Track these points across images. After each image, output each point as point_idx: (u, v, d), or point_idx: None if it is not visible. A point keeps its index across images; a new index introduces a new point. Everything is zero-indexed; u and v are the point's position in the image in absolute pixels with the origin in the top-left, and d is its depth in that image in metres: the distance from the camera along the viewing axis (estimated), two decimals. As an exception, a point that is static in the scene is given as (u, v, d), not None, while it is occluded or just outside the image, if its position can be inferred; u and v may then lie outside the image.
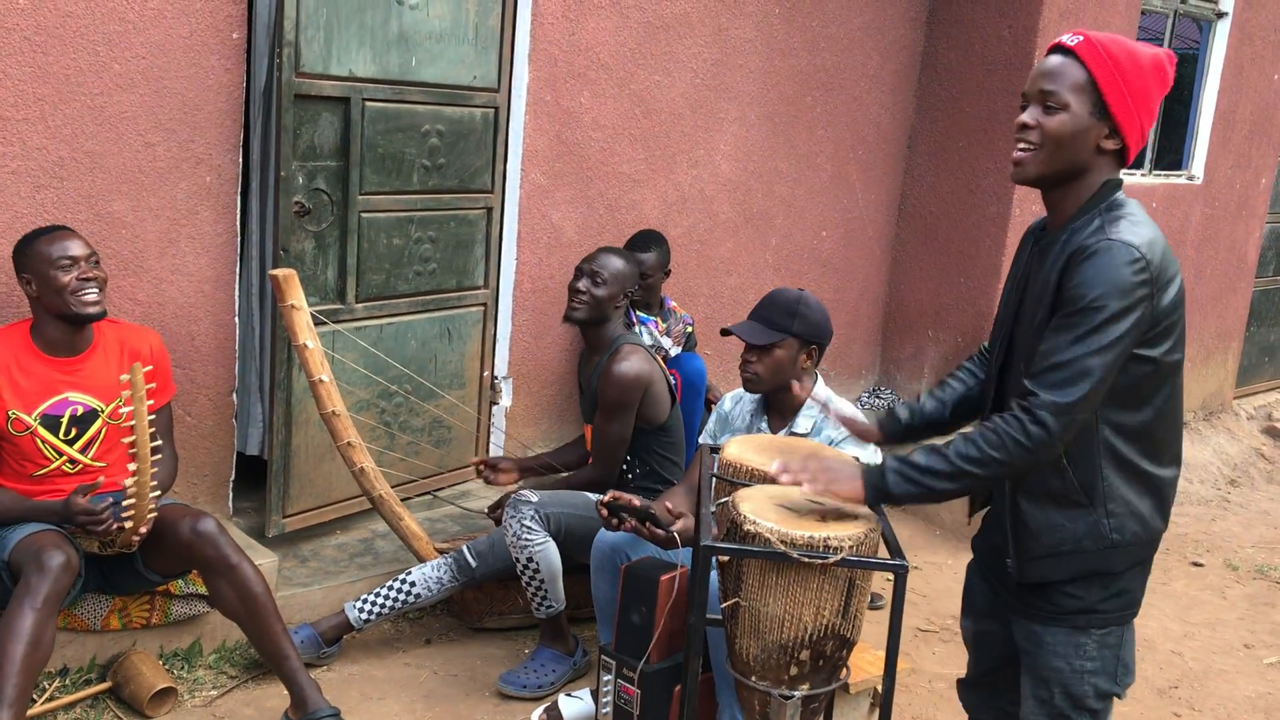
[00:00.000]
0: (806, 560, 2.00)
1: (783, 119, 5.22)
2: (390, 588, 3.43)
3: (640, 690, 2.82)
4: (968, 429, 2.08)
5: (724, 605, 2.16)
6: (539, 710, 3.24)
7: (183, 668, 3.29)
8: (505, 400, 4.57)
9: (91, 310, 2.99)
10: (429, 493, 4.33)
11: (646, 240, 4.48)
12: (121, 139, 3.37)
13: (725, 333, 3.08)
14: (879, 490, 2.07)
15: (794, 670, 2.11)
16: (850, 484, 2.10)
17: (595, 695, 3.05)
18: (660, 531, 2.84)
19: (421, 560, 3.62)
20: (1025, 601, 2.18)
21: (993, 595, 2.32)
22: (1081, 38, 2.04)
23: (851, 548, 2.02)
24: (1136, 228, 1.98)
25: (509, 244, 4.45)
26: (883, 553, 2.16)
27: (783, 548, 2.00)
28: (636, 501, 2.91)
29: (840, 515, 2.13)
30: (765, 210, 5.27)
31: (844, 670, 2.24)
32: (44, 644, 2.72)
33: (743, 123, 5.07)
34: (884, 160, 5.73)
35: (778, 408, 3.11)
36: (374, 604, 3.41)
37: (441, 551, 3.62)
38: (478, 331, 4.42)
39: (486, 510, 3.68)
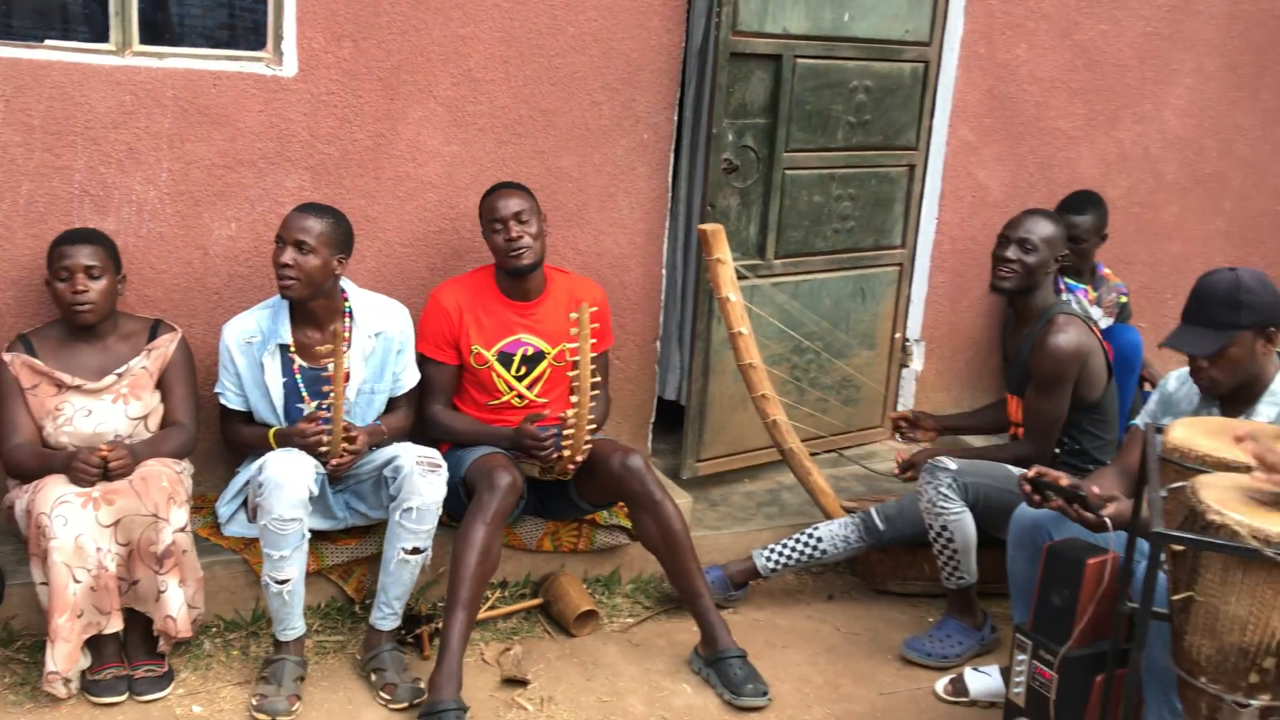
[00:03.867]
0: (1283, 560, 1.79)
1: (1248, 70, 4.68)
2: (797, 540, 3.48)
3: (1058, 675, 2.68)
4: None
5: (1175, 598, 1.99)
6: (944, 680, 3.17)
7: (603, 593, 3.53)
8: (916, 364, 4.48)
9: (520, 264, 3.21)
10: (835, 450, 4.34)
11: (1081, 201, 4.20)
12: (572, 98, 3.60)
13: (1163, 346, 2.80)
14: None
15: (1254, 678, 1.91)
16: None
17: (1006, 673, 2.94)
18: (1090, 515, 2.67)
19: (828, 517, 3.64)
20: None
21: None
22: None
23: (1340, 551, 1.79)
24: None
25: (930, 203, 4.33)
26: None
27: (1255, 544, 1.80)
28: (1064, 480, 2.75)
29: (1324, 514, 1.89)
30: (1220, 171, 4.77)
31: (1312, 687, 2.00)
32: (492, 555, 3.01)
33: (1199, 74, 4.60)
34: (1370, 115, 5.00)
35: (1234, 392, 2.80)
36: (781, 554, 3.48)
37: (848, 510, 3.62)
38: (891, 291, 4.36)
39: (897, 469, 3.62)
